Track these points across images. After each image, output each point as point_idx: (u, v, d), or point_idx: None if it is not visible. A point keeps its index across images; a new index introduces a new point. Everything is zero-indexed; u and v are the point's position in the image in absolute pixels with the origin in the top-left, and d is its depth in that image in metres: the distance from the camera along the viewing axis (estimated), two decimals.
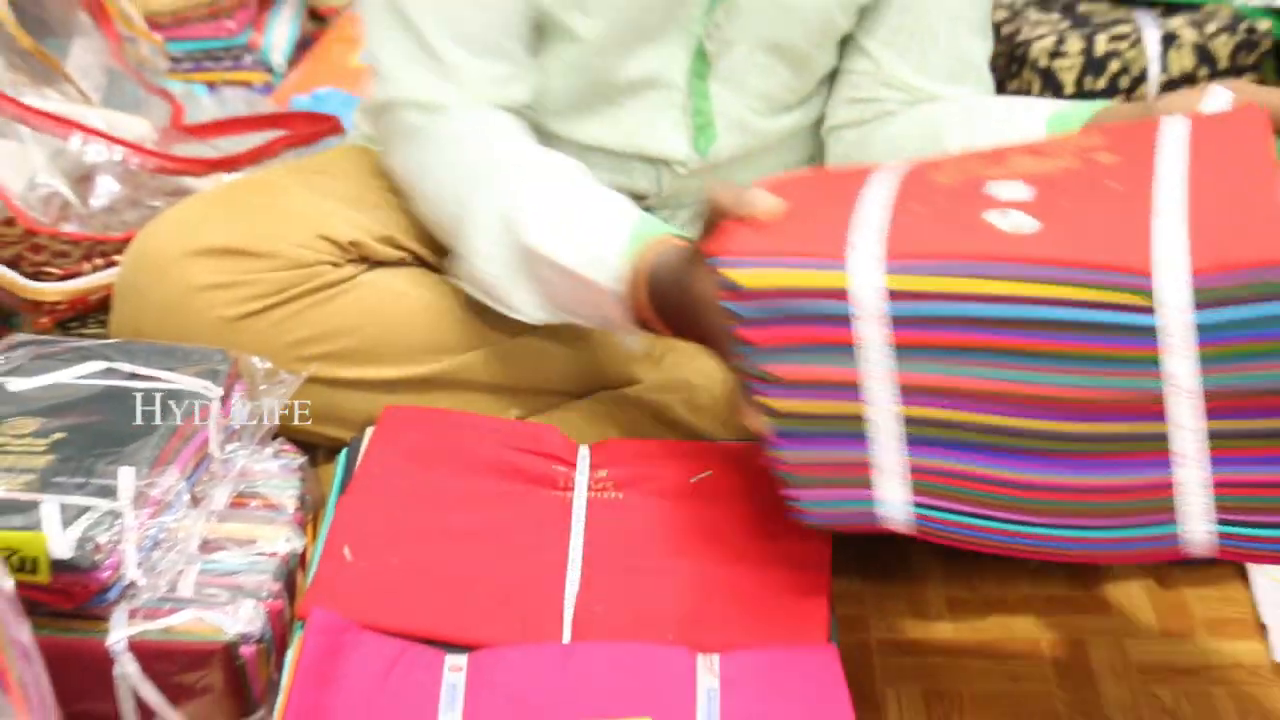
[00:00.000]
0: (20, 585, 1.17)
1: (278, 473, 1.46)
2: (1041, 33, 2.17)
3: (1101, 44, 2.14)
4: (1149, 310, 1.10)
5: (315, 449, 1.62)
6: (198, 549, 1.34)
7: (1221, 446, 1.13)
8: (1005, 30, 2.23)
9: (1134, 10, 2.20)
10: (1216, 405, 1.12)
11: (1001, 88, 2.23)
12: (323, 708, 1.22)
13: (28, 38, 2.03)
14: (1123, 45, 2.14)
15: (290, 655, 1.27)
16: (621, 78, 1.64)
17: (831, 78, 1.77)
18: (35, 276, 1.83)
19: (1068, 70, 2.13)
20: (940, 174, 1.29)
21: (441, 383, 1.64)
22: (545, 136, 1.67)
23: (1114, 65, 2.14)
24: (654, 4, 1.60)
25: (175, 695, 1.26)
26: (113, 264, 1.78)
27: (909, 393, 1.21)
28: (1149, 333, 1.11)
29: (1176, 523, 1.17)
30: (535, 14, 1.61)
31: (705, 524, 1.45)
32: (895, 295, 1.18)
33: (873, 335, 1.20)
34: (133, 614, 1.26)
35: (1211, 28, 2.16)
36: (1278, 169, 1.17)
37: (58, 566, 1.23)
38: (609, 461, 1.52)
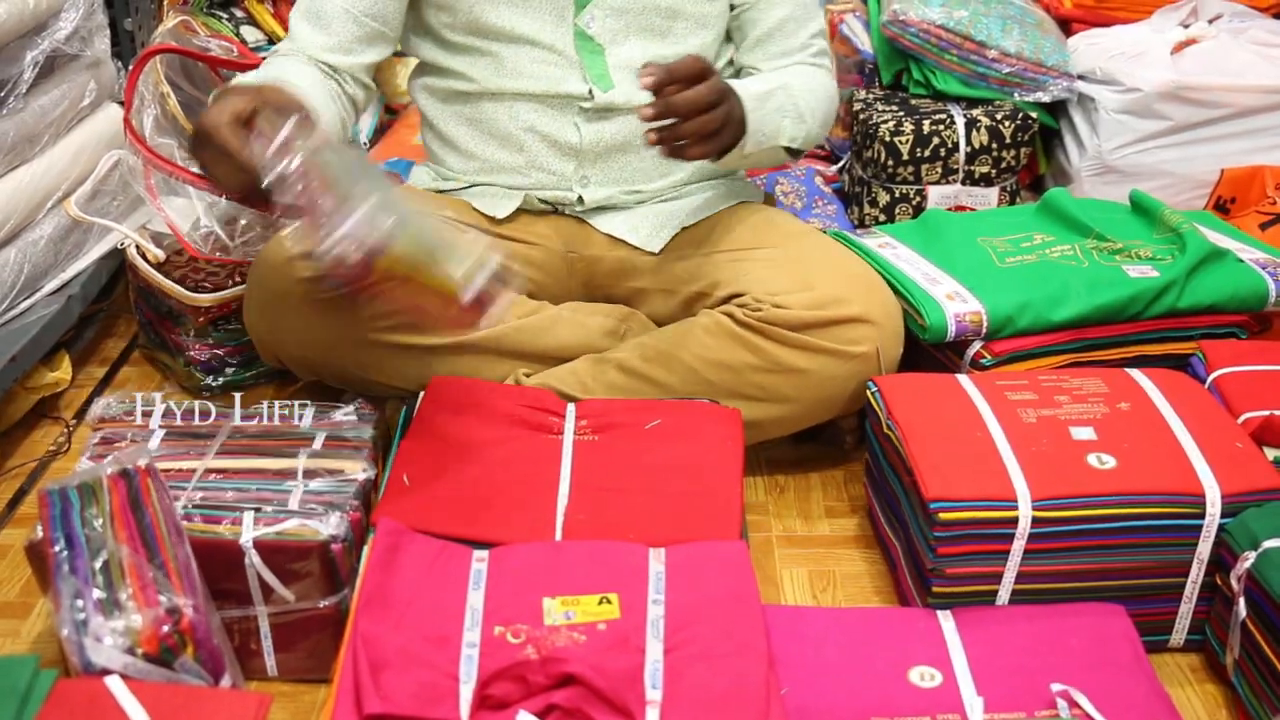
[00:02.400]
0: None
1: (357, 423, 1.45)
2: (885, 118, 2.13)
3: (926, 126, 2.12)
4: (1201, 516, 1.27)
5: (385, 400, 1.59)
6: (302, 477, 1.33)
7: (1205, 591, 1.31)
8: (861, 115, 2.19)
9: (948, 103, 2.18)
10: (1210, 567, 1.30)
11: (857, 155, 2.22)
12: (387, 588, 1.20)
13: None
14: (941, 127, 2.12)
15: (365, 551, 1.26)
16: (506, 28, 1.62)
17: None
18: (196, 289, 1.84)
19: (904, 144, 2.10)
20: (1022, 412, 1.37)
21: (470, 349, 1.59)
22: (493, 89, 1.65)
23: (935, 140, 2.12)
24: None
25: (286, 578, 1.26)
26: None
27: (1027, 577, 1.29)
28: (1197, 529, 1.27)
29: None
30: None
31: (655, 457, 1.42)
32: (1037, 522, 1.26)
33: (1018, 546, 1.27)
34: (258, 522, 1.25)
35: (1000, 115, 2.14)
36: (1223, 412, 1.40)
37: None
38: (588, 414, 1.50)
